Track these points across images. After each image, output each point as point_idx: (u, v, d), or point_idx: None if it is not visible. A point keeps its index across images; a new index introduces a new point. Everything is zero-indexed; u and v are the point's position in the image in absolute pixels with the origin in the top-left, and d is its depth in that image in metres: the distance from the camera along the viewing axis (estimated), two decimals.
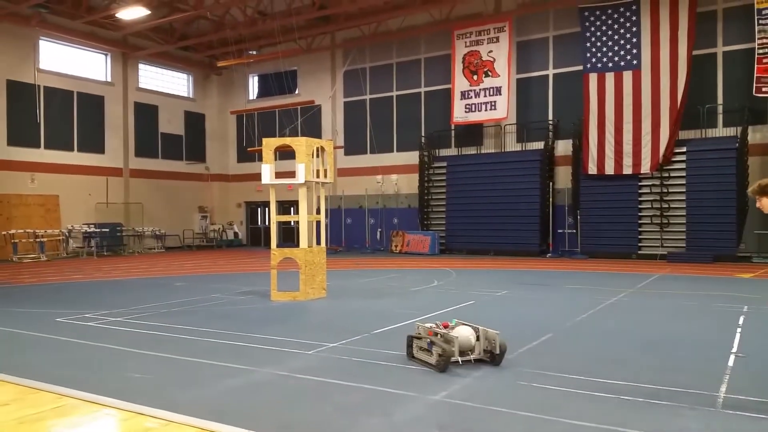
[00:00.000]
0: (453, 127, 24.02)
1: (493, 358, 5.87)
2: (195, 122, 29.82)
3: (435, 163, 24.27)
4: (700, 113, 19.33)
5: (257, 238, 30.53)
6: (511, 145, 23.10)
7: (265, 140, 10.88)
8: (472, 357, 5.93)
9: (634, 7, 19.83)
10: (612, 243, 20.27)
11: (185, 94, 29.74)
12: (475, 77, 22.90)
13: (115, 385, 5.25)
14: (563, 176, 21.96)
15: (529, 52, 22.67)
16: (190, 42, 26.75)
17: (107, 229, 24.23)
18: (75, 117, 24.77)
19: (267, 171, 10.75)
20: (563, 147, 22.02)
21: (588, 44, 20.58)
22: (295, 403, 4.83)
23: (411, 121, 25.19)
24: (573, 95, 21.14)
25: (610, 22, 20.26)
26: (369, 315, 9.16)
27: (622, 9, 20.06)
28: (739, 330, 7.70)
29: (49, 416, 4.55)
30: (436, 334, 5.99)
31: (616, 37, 20.14)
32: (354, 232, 26.30)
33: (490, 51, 22.59)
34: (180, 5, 23.40)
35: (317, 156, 11.14)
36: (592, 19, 20.54)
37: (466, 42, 23.13)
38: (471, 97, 22.96)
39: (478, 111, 22.82)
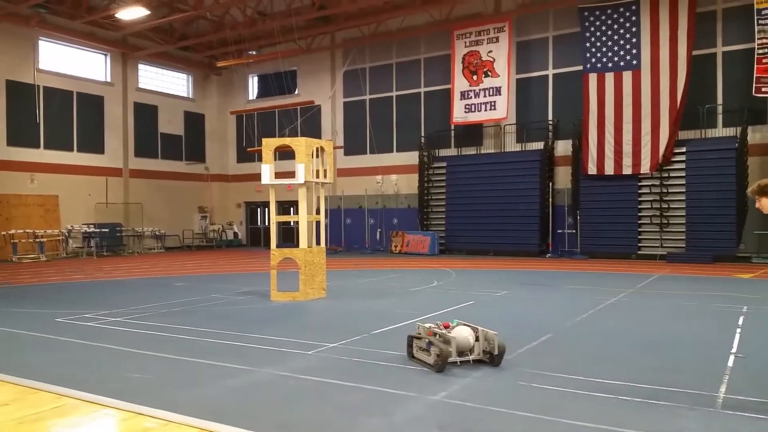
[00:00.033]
0: (453, 127, 24.02)
1: (492, 358, 5.86)
2: (195, 122, 29.82)
3: (435, 163, 24.27)
4: (700, 113, 19.33)
5: (257, 238, 30.52)
6: (511, 145, 23.10)
7: (264, 140, 10.88)
8: (471, 357, 5.92)
9: (633, 7, 19.84)
10: (612, 243, 20.27)
11: (185, 95, 29.73)
12: (474, 77, 22.90)
13: (115, 385, 5.25)
14: (563, 176, 21.96)
15: (528, 52, 22.67)
16: (190, 42, 26.75)
17: (107, 230, 24.22)
18: (75, 117, 24.77)
19: (267, 171, 10.75)
20: (563, 147, 22.02)
21: (588, 44, 20.59)
22: (294, 404, 4.83)
23: (411, 121, 25.19)
24: (573, 95, 21.15)
25: (609, 22, 20.26)
26: (369, 315, 9.16)
27: (621, 9, 20.07)
28: (738, 330, 7.70)
29: (48, 416, 4.55)
30: (435, 334, 5.99)
31: (615, 37, 20.15)
32: (354, 232, 26.29)
33: (490, 51, 22.60)
34: (180, 5, 23.40)
35: (317, 156, 11.14)
36: (591, 19, 20.55)
37: (465, 42, 23.13)
38: (471, 98, 22.96)
39: (478, 111, 22.83)
